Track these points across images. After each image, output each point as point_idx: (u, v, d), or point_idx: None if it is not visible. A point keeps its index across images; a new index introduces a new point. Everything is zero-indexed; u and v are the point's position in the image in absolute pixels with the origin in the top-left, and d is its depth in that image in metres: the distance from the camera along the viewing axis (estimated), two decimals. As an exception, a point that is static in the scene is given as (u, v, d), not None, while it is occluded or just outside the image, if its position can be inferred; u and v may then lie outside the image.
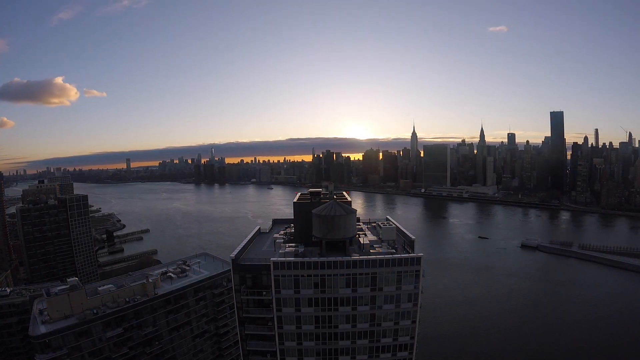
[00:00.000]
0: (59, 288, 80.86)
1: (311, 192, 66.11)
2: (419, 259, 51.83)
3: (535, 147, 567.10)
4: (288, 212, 79.50)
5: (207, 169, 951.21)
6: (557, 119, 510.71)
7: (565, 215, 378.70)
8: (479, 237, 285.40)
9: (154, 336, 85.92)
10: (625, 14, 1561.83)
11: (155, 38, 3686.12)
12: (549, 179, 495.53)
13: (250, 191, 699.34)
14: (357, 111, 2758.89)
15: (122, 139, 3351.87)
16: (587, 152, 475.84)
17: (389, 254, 52.70)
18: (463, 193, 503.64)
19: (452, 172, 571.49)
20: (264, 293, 52.98)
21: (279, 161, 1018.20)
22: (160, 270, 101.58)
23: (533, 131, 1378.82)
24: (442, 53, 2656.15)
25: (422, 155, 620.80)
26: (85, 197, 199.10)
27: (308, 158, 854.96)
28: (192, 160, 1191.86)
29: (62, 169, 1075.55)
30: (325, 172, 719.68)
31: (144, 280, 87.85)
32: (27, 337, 76.97)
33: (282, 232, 67.99)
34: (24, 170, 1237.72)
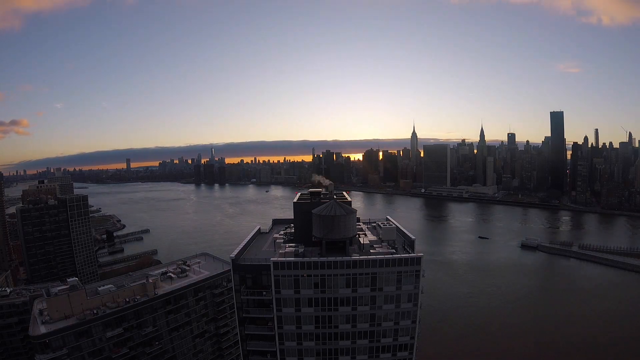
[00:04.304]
0: (59, 288, 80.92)
1: (311, 192, 66.12)
2: (419, 259, 51.84)
3: (535, 147, 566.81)
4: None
5: (207, 169, 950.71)
6: (557, 119, 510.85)
7: (565, 215, 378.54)
8: (479, 237, 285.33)
9: (154, 336, 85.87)
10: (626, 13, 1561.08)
11: (156, 38, 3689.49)
12: (549, 179, 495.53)
13: (250, 191, 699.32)
14: (358, 111, 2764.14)
15: (122, 138, 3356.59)
16: (587, 152, 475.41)
17: (389, 254, 52.68)
18: (463, 193, 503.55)
19: (452, 172, 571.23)
20: (264, 293, 52.93)
21: (279, 161, 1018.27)
22: (160, 271, 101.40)
23: (533, 131, 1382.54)
24: (442, 53, 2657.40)
25: (422, 155, 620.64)
26: (85, 197, 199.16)
27: (308, 158, 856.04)
28: (192, 160, 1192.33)
29: (62, 169, 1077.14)
30: (325, 172, 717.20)
31: (144, 281, 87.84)
32: (27, 337, 76.86)
33: (282, 232, 67.95)
34: (24, 170, 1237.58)
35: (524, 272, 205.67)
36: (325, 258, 51.01)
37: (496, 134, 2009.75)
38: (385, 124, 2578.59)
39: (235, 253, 54.41)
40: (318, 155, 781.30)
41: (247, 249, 60.01)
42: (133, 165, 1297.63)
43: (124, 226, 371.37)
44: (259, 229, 70.58)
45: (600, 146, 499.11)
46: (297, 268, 50.56)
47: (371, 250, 54.86)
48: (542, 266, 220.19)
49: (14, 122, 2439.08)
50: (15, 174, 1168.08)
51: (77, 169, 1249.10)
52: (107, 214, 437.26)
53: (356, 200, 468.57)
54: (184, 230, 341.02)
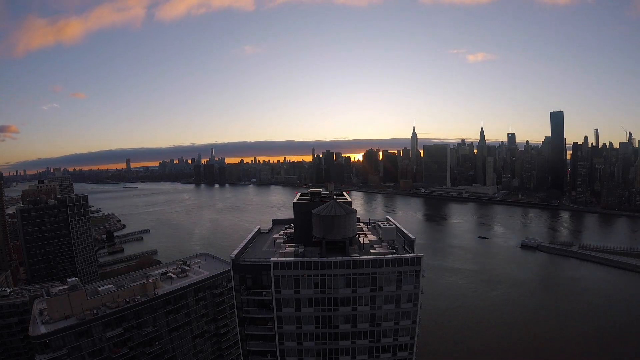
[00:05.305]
0: (59, 288, 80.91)
1: (311, 192, 66.12)
2: (419, 259, 51.83)
3: (535, 147, 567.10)
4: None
5: (207, 169, 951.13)
6: (557, 119, 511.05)
7: (565, 215, 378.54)
8: (479, 237, 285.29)
9: (154, 336, 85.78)
10: (626, 13, 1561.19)
11: (156, 38, 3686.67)
12: (549, 179, 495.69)
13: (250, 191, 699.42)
14: (358, 111, 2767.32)
15: (122, 138, 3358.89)
16: (587, 152, 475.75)
17: (389, 254, 52.69)
18: (463, 193, 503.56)
19: (452, 172, 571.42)
20: (264, 293, 52.96)
21: (279, 161, 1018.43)
22: (160, 271, 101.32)
23: (533, 131, 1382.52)
24: (442, 53, 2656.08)
25: (422, 155, 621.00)
26: (85, 197, 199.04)
27: (308, 158, 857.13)
28: (192, 160, 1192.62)
29: (62, 169, 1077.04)
30: (325, 172, 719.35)
31: (144, 281, 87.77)
32: (27, 337, 76.91)
33: (282, 232, 67.96)
34: (24, 170, 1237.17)
35: (524, 272, 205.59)
36: (325, 258, 51.00)
37: (496, 134, 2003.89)
38: (385, 124, 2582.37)
39: (235, 253, 54.40)
40: (318, 156, 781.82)
41: (247, 249, 60.02)
42: (133, 165, 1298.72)
43: (124, 226, 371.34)
44: (259, 229, 70.54)
45: (600, 146, 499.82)
46: (297, 268, 50.55)
47: (371, 250, 54.86)
48: (542, 266, 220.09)
49: (2, 129, 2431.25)
50: (15, 174, 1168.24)
51: (77, 168, 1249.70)
52: (107, 213, 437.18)
53: (356, 201, 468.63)
54: (184, 229, 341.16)
